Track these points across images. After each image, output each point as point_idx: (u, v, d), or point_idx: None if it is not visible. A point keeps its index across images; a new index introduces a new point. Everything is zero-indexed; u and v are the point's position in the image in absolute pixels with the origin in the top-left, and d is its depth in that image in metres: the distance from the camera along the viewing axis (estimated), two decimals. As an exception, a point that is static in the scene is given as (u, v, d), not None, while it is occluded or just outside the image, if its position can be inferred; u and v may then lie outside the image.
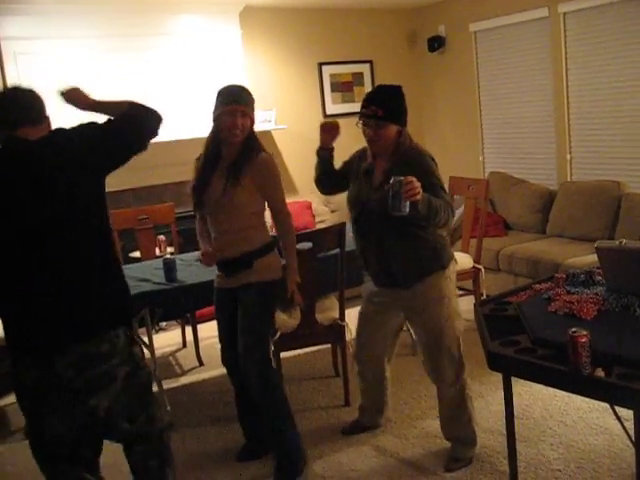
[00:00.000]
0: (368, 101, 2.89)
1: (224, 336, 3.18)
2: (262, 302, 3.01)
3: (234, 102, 2.89)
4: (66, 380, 2.10)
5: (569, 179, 5.80)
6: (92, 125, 2.24)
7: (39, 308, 2.10)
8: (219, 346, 3.23)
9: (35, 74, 5.19)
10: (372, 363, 3.29)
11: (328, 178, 3.21)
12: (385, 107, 2.83)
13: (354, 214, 3.03)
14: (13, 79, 5.13)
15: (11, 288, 2.12)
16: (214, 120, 2.96)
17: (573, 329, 2.06)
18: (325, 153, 3.15)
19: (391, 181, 2.58)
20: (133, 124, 2.28)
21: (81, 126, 2.23)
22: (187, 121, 5.77)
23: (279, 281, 3.06)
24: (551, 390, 3.55)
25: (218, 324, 3.20)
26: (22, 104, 2.18)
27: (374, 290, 3.14)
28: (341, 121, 3.16)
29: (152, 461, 2.32)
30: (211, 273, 3.77)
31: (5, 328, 2.16)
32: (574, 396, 3.40)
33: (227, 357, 3.19)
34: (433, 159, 2.89)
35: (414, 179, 2.57)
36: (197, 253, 3.76)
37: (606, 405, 3.23)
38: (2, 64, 5.14)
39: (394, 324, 3.22)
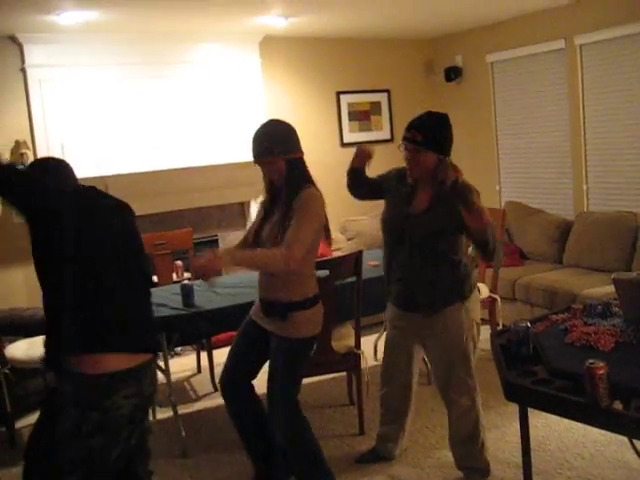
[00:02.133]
0: (410, 125, 2.90)
1: (234, 360, 3.07)
2: (292, 360, 2.90)
3: (257, 156, 2.83)
4: (148, 398, 2.24)
5: (586, 209, 5.79)
6: None
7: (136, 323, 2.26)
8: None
9: (59, 101, 5.32)
10: (397, 387, 3.25)
11: (362, 185, 3.20)
12: (425, 133, 2.83)
13: (391, 236, 3.03)
14: (37, 105, 5.25)
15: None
16: None
17: (590, 361, 2.06)
18: (357, 170, 3.16)
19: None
20: None
21: None
22: (206, 148, 5.86)
23: (316, 337, 2.95)
24: (567, 422, 3.52)
25: (234, 345, 3.11)
26: None
27: (396, 314, 3.14)
28: (357, 150, 3.20)
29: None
30: (228, 299, 3.81)
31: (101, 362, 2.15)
32: (591, 428, 3.36)
33: (226, 379, 3.09)
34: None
35: (479, 205, 2.63)
36: (220, 279, 3.75)
37: (624, 438, 3.19)
38: (27, 91, 5.26)
39: (414, 351, 3.20)
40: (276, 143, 2.80)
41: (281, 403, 2.93)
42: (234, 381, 3.07)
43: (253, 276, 4.34)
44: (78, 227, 2.13)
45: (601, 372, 2.01)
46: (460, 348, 2.98)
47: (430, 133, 2.85)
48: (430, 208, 2.88)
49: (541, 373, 2.32)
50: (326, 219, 2.91)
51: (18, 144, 5.18)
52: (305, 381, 3.29)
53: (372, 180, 3.18)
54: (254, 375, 3.12)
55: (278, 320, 2.87)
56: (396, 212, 3.01)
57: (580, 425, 3.44)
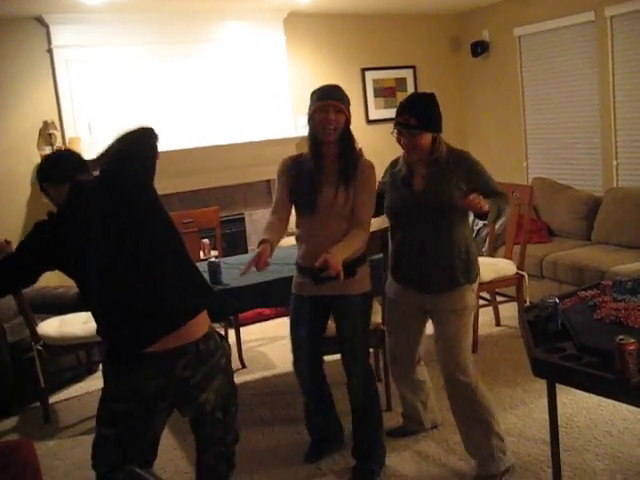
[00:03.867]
0: (401, 110, 2.89)
1: (304, 345, 3.16)
2: (366, 313, 3.04)
3: (327, 98, 2.86)
4: (183, 380, 2.23)
5: (615, 185, 5.71)
6: None
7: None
8: (265, 347, 3.26)
9: (85, 81, 5.36)
10: (404, 368, 3.30)
11: None
12: (418, 115, 2.83)
13: (396, 221, 3.04)
14: (64, 86, 5.30)
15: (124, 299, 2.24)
16: (309, 120, 2.92)
17: (620, 337, 2.05)
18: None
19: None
20: None
21: None
22: (231, 126, 5.87)
23: (371, 292, 3.08)
24: (596, 399, 3.50)
25: (296, 332, 3.17)
26: None
27: (398, 294, 3.12)
28: (384, 127, 3.20)
29: (222, 466, 2.45)
30: (255, 277, 3.82)
31: (119, 341, 2.26)
32: (620, 406, 3.36)
33: (301, 365, 3.20)
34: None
35: (476, 195, 2.70)
36: (247, 256, 3.75)
37: (653, 415, 3.19)
38: (54, 72, 5.30)
39: (418, 327, 3.20)
40: (345, 96, 2.93)
41: (363, 360, 3.06)
42: (312, 367, 3.21)
43: (279, 253, 4.36)
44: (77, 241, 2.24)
45: (631, 348, 2.00)
46: (464, 328, 2.96)
47: (423, 114, 2.85)
48: (430, 185, 2.90)
49: (570, 349, 2.31)
50: None
51: (46, 125, 5.24)
52: (332, 357, 3.32)
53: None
54: (321, 350, 3.26)
55: (345, 279, 2.80)
56: (398, 194, 3.00)
57: (609, 402, 3.43)
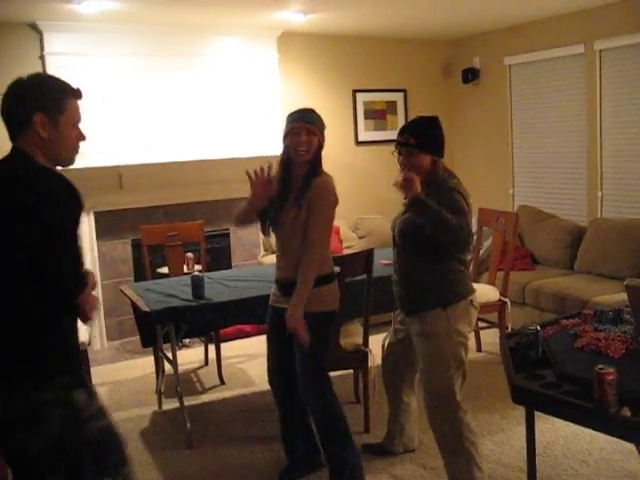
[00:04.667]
0: (403, 130, 2.94)
1: (274, 356, 3.17)
2: (317, 333, 2.94)
3: (301, 120, 2.92)
4: None
5: (599, 216, 5.76)
6: None
7: None
8: (245, 364, 3.25)
9: (76, 89, 5.34)
10: (393, 389, 3.32)
11: None
12: (418, 136, 2.85)
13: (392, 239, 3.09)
14: (55, 93, 5.27)
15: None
16: (283, 140, 2.99)
17: (600, 366, 2.05)
18: None
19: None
20: None
21: None
22: (220, 141, 5.87)
23: (333, 313, 3.03)
24: (573, 428, 3.50)
25: (269, 342, 3.19)
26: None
27: (399, 317, 3.18)
28: (373, 149, 3.22)
29: None
30: (238, 292, 3.81)
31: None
32: (597, 436, 3.36)
33: (274, 378, 3.20)
34: (462, 194, 2.82)
35: (412, 176, 2.65)
36: (231, 272, 3.72)
37: (631, 448, 3.19)
38: (45, 78, 5.28)
39: (413, 354, 3.18)
40: (319, 120, 2.99)
41: (311, 382, 3.01)
42: (282, 378, 3.16)
43: (263, 270, 4.38)
44: None
45: (610, 378, 2.00)
46: (438, 355, 2.87)
47: (423, 135, 2.87)
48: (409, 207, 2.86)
49: (549, 377, 2.31)
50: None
51: (35, 131, 5.21)
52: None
53: None
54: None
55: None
56: (395, 217, 3.05)
57: (586, 432, 3.43)
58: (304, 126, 2.91)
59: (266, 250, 6.13)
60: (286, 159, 3.02)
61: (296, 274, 2.93)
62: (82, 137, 2.14)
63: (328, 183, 2.96)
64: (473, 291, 2.96)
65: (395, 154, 2.94)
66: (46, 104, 1.99)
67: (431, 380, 2.92)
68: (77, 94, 2.09)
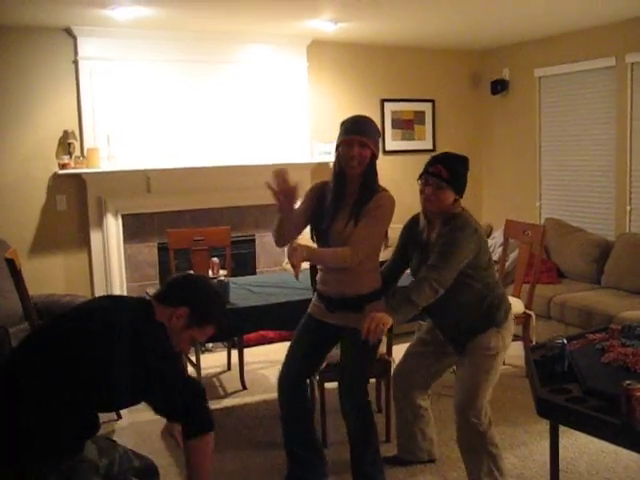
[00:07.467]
0: (435, 161, 2.90)
1: (294, 359, 3.12)
2: (369, 348, 2.92)
3: (354, 132, 2.85)
4: None
5: (628, 230, 5.70)
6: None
7: None
8: (267, 370, 3.25)
9: (108, 94, 5.42)
10: (405, 394, 3.29)
11: (392, 274, 3.20)
12: (451, 171, 2.84)
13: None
14: (87, 97, 5.36)
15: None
16: (336, 149, 2.93)
17: (628, 382, 2.03)
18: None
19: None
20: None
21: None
22: (250, 148, 5.91)
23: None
24: (598, 445, 3.46)
25: (294, 345, 3.14)
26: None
27: (431, 332, 3.17)
28: (399, 158, 3.21)
29: None
30: (263, 298, 3.83)
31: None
32: (622, 453, 3.32)
33: (286, 380, 3.14)
34: (470, 234, 2.83)
35: (373, 316, 2.67)
36: (256, 277, 3.72)
37: (656, 465, 3.14)
38: (78, 82, 5.36)
39: (437, 368, 3.22)
40: (374, 131, 2.92)
41: (359, 393, 2.99)
42: (295, 380, 3.13)
43: (287, 277, 4.38)
44: None
45: (639, 394, 1.98)
46: (482, 370, 2.92)
47: (454, 171, 2.86)
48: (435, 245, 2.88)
49: (575, 391, 2.29)
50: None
51: (66, 134, 5.29)
52: (335, 384, 3.30)
53: (395, 257, 3.22)
54: (313, 373, 3.23)
55: (351, 313, 2.93)
56: (418, 260, 3.00)
57: (611, 449, 3.38)
58: (357, 139, 2.84)
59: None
60: (339, 171, 2.94)
61: (345, 289, 2.92)
62: (188, 348, 2.56)
63: (392, 201, 2.92)
64: (510, 304, 3.03)
65: (419, 183, 2.91)
66: (197, 308, 2.31)
67: (469, 392, 2.93)
68: (218, 329, 2.41)
